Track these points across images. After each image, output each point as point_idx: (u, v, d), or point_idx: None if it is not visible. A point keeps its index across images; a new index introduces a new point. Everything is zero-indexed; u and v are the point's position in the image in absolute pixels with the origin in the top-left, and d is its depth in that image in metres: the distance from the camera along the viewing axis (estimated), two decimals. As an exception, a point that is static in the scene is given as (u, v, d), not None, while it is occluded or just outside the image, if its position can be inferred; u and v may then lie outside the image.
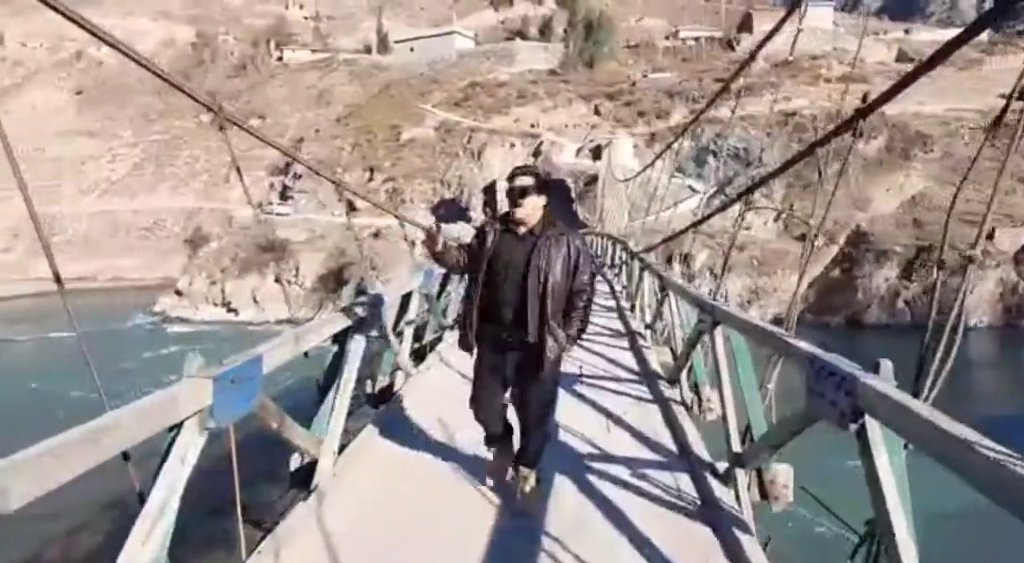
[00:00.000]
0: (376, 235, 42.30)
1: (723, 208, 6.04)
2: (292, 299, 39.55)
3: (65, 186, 77.92)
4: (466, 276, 3.44)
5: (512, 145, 46.62)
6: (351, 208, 48.92)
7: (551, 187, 3.35)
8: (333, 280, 40.12)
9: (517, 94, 55.31)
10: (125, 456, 1.82)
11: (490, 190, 44.15)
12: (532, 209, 3.11)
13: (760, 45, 6.09)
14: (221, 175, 71.50)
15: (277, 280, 41.23)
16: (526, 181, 3.10)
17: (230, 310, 40.06)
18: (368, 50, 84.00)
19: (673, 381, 5.60)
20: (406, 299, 6.31)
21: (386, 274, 33.12)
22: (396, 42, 79.48)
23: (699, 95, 48.88)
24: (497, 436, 3.47)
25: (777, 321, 4.17)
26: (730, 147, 40.17)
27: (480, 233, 3.22)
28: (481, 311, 3.16)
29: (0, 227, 72.28)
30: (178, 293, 42.90)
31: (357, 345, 3.95)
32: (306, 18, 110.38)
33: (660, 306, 7.82)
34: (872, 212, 38.51)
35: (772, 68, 45.19)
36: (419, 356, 6.76)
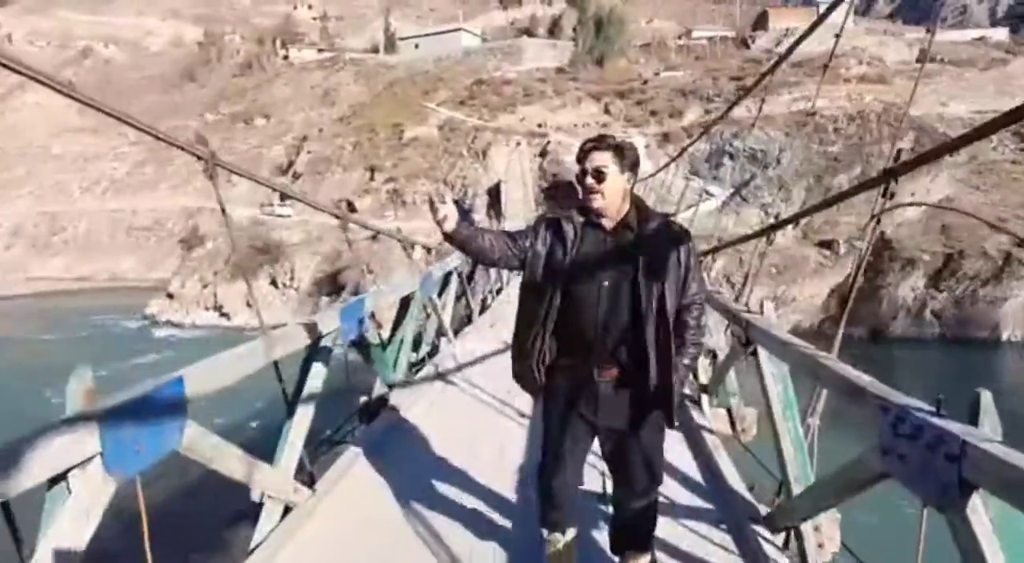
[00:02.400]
0: (374, 238, 40.68)
1: (771, 229, 4.76)
2: (286, 303, 38.11)
3: (68, 185, 77.20)
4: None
5: (518, 144, 44.98)
6: (351, 209, 47.69)
7: (638, 161, 2.39)
8: (329, 284, 38.60)
9: (524, 92, 53.70)
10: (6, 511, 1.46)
11: (495, 192, 42.63)
12: (614, 194, 2.28)
13: (792, 47, 5.33)
14: (223, 174, 69.71)
15: (272, 283, 39.71)
16: (602, 158, 2.25)
17: (222, 315, 38.59)
18: (376, 50, 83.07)
19: (698, 400, 5.11)
20: (405, 303, 5.88)
21: (383, 278, 31.49)
22: (401, 39, 78.48)
23: (714, 94, 47.10)
24: (570, 521, 2.51)
25: (797, 331, 3.33)
26: (747, 148, 38.29)
27: (554, 226, 2.34)
28: (556, 341, 2.33)
29: (5, 225, 71.78)
30: (170, 296, 41.46)
31: (323, 359, 3.49)
32: (314, 18, 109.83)
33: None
34: (896, 218, 36.54)
35: (790, 68, 43.35)
36: (417, 366, 6.47)
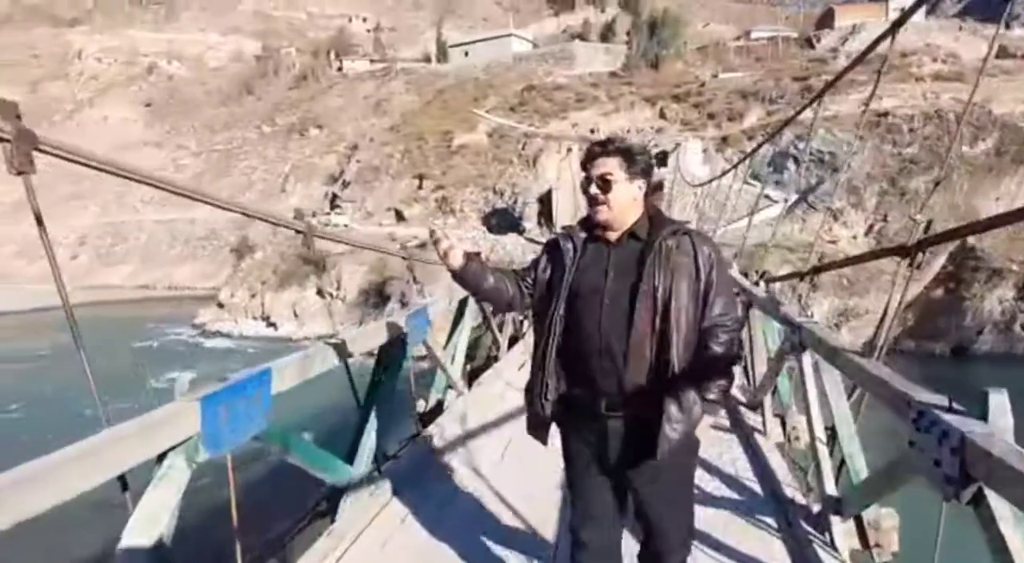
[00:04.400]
0: (422, 246, 39.96)
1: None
2: (332, 314, 37.56)
3: (131, 197, 79.43)
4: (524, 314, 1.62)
5: (569, 150, 43.58)
6: (399, 218, 47.25)
7: (652, 166, 2.14)
8: (375, 294, 37.90)
9: (576, 97, 52.38)
10: (124, 485, 1.82)
11: (546, 200, 41.45)
12: (622, 205, 2.03)
13: (874, 43, 4.83)
14: (277, 184, 71.40)
15: (319, 293, 39.30)
16: (607, 164, 2.02)
17: (269, 324, 38.33)
18: (427, 59, 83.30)
19: (754, 407, 5.00)
20: (461, 308, 5.73)
21: (430, 288, 30.21)
22: (450, 46, 78.22)
23: (777, 95, 44.85)
24: None
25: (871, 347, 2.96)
26: (813, 151, 36.03)
27: (552, 246, 2.15)
28: (562, 371, 2.06)
29: (72, 236, 74.27)
30: (220, 305, 41.53)
31: (399, 360, 3.49)
32: (368, 31, 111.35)
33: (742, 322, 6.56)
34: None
35: (861, 66, 40.88)
36: (476, 375, 6.21)
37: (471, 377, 6.36)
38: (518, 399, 5.12)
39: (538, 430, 2.16)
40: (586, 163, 2.08)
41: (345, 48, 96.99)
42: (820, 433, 3.33)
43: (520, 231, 40.96)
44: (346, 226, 47.85)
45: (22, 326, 46.60)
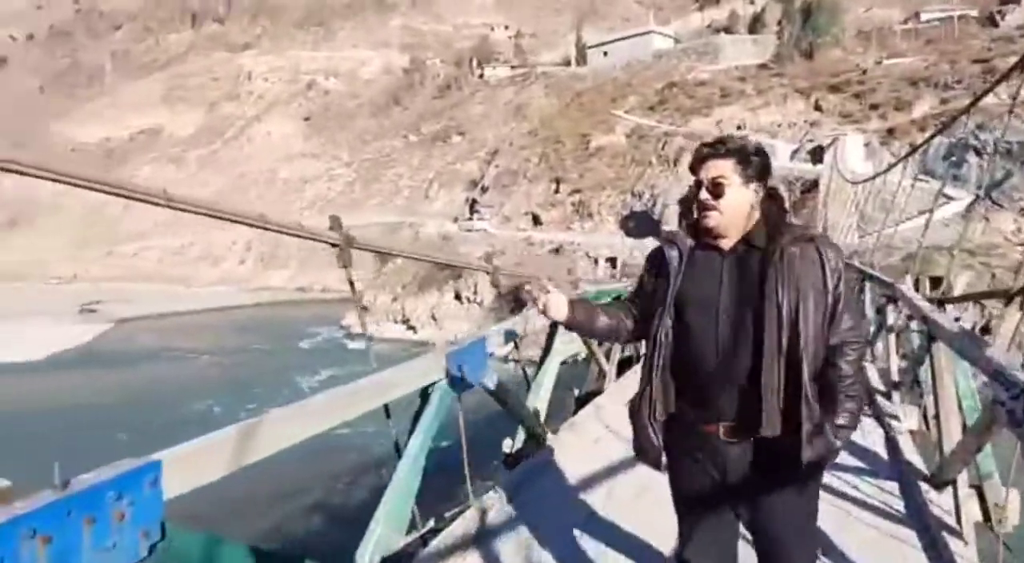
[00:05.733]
0: (557, 251, 39.50)
1: None
2: (469, 318, 38.00)
3: (291, 205, 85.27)
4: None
5: (713, 149, 41.60)
6: (535, 222, 47.06)
7: (768, 167, 1.94)
8: (512, 299, 37.83)
9: (720, 93, 49.69)
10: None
11: (687, 202, 39.59)
12: (735, 211, 1.85)
13: None
14: (421, 191, 73.77)
15: (456, 297, 39.88)
16: (720, 167, 1.84)
17: (409, 327, 39.34)
18: (567, 63, 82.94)
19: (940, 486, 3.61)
20: (551, 334, 4.92)
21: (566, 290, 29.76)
22: (588, 47, 77.19)
23: (953, 80, 40.07)
24: None
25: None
26: (1001, 142, 31.68)
27: (655, 256, 2.02)
28: (671, 389, 1.94)
29: (240, 242, 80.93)
30: (364, 308, 43.19)
31: (440, 401, 2.89)
32: (509, 37, 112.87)
33: (919, 358, 5.37)
34: None
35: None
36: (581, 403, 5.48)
37: (577, 406, 5.49)
38: (620, 449, 4.06)
39: (647, 455, 2.02)
40: (695, 166, 1.89)
41: (487, 56, 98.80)
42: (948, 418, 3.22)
43: (659, 235, 39.46)
44: (484, 230, 48.44)
45: (200, 325, 51.38)
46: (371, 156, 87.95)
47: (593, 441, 4.39)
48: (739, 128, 44.44)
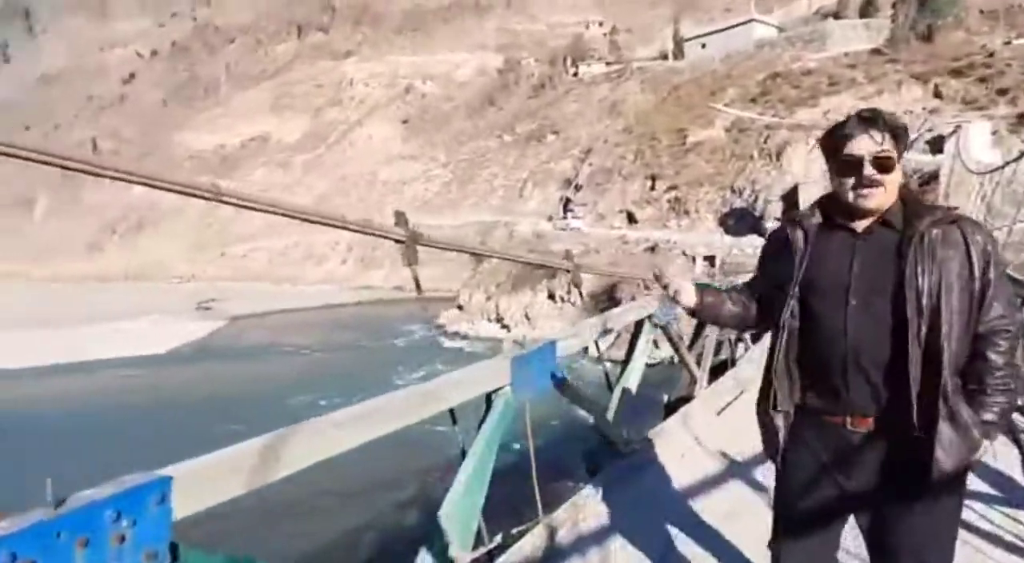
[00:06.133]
0: (652, 250, 38.60)
1: None
2: (563, 317, 37.75)
3: (389, 206, 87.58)
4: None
5: (818, 141, 39.44)
6: (630, 221, 46.21)
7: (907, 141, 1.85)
8: (606, 298, 37.31)
9: (828, 81, 47.05)
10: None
11: (791, 197, 37.83)
12: (894, 189, 1.76)
13: None
14: (516, 190, 74.10)
15: (550, 297, 39.71)
16: (884, 141, 1.72)
17: (503, 326, 39.51)
18: (664, 57, 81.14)
19: None
20: (636, 332, 4.50)
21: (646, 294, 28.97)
22: (685, 40, 75.06)
23: (1097, 57, 36.36)
24: None
25: None
26: None
27: (776, 237, 1.94)
28: (796, 378, 1.85)
29: (343, 242, 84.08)
30: (459, 307, 43.83)
31: (504, 407, 2.73)
32: (605, 34, 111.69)
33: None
34: None
35: None
36: (670, 410, 5.08)
37: (666, 413, 5.12)
38: (709, 464, 3.79)
39: (767, 447, 1.94)
40: (848, 139, 1.74)
41: (582, 54, 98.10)
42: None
43: (761, 232, 37.74)
44: (578, 229, 48.02)
45: (305, 322, 53.76)
46: (467, 156, 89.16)
47: (679, 454, 4.00)
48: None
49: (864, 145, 1.72)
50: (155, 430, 22.31)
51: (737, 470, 3.70)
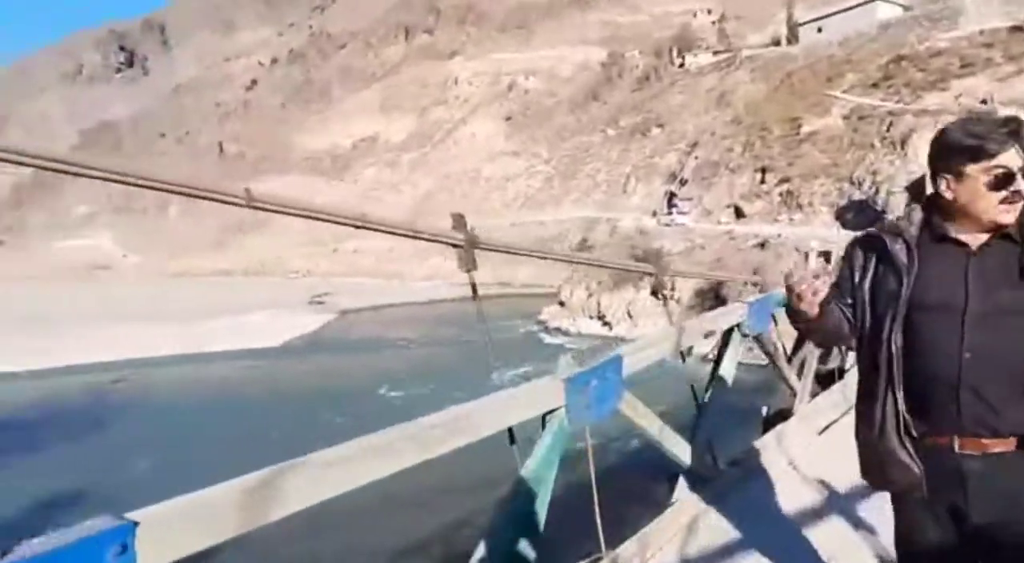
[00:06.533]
0: (762, 246, 36.96)
1: None
2: (665, 315, 36.87)
3: (493, 202, 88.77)
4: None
5: (950, 127, 36.43)
6: (738, 215, 44.45)
7: None
8: (711, 296, 36.14)
9: (960, 62, 43.31)
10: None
11: (917, 188, 35.28)
12: None
13: None
14: (619, 185, 73.11)
15: (653, 293, 38.87)
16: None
17: (604, 323, 39.08)
18: (776, 43, 77.53)
19: None
20: (725, 342, 4.04)
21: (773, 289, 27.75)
22: (800, 24, 71.29)
23: None
24: None
25: None
26: None
27: (868, 246, 1.80)
28: (902, 402, 1.72)
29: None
30: (560, 304, 43.73)
31: (558, 430, 2.46)
32: (713, 23, 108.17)
33: None
34: None
35: None
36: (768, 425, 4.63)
37: (764, 428, 4.73)
38: (808, 494, 3.40)
39: (898, 483, 1.78)
40: (997, 151, 1.60)
41: (688, 43, 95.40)
42: None
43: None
44: (684, 225, 46.69)
45: (411, 316, 55.43)
46: (569, 152, 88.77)
47: (771, 482, 3.60)
48: (984, 102, 38.64)
49: (1013, 158, 1.61)
50: (266, 421, 23.56)
51: (839, 503, 3.28)
